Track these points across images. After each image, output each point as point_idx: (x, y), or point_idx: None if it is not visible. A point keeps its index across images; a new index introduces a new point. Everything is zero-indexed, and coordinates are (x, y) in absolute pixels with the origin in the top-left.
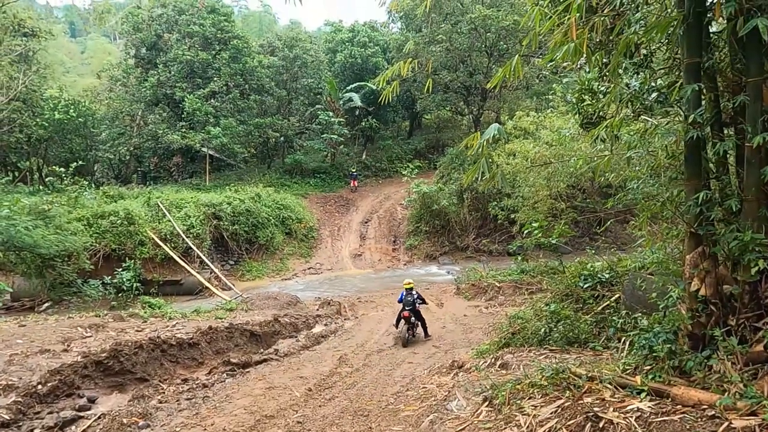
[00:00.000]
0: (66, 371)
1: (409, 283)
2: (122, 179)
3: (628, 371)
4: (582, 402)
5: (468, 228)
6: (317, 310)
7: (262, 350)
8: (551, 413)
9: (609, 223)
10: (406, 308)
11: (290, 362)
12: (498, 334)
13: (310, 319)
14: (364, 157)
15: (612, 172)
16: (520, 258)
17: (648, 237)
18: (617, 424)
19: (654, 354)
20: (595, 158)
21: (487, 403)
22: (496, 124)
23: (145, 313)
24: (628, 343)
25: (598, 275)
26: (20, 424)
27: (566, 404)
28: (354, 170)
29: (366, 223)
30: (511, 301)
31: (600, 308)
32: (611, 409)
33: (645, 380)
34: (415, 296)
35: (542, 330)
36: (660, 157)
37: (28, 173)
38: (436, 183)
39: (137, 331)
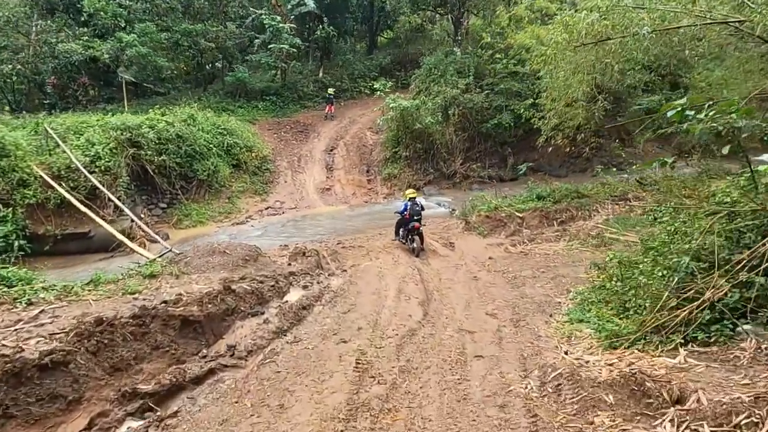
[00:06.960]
0: None
1: (413, 192)
2: (22, 110)
3: None
4: None
5: (454, 151)
6: (288, 265)
7: (204, 349)
8: None
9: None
10: (415, 218)
11: (261, 376)
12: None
13: (280, 280)
14: (320, 75)
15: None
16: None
17: None
18: None
19: None
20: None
21: None
22: None
23: None
24: None
25: None
26: None
27: None
28: (332, 92)
29: (331, 151)
30: (539, 234)
31: None
32: None
33: None
34: (419, 206)
35: None
36: None
37: None
38: (414, 98)
39: None
